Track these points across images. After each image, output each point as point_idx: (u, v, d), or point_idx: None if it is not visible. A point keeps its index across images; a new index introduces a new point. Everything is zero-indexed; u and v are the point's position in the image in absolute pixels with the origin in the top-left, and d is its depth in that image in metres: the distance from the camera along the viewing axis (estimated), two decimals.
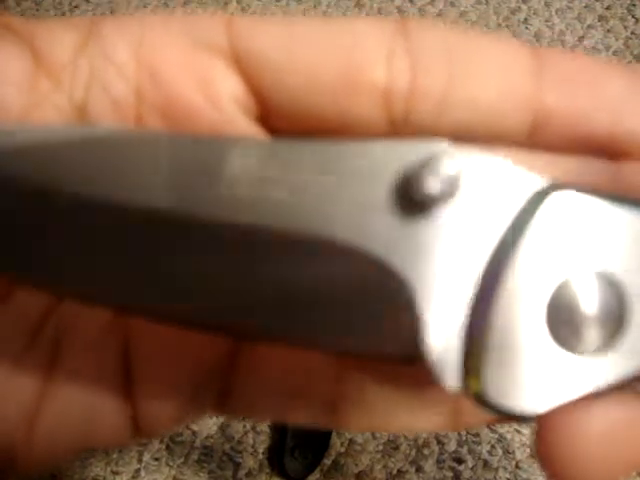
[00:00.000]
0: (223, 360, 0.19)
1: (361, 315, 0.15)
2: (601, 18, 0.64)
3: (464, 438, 0.47)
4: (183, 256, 0.16)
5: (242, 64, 0.17)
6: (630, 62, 0.62)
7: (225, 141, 0.16)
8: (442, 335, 0.15)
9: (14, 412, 0.18)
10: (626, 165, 0.18)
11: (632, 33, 0.64)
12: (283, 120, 0.18)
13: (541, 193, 0.15)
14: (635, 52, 0.63)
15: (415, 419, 0.19)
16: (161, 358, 0.19)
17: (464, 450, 0.47)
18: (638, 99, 0.17)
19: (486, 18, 0.63)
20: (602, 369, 0.15)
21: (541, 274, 0.15)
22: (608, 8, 0.65)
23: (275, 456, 0.47)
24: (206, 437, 0.47)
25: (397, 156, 0.15)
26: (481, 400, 0.15)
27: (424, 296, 0.15)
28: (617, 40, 0.64)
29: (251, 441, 0.47)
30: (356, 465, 0.46)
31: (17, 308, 0.19)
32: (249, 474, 0.46)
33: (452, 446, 0.47)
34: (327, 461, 0.47)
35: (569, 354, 0.15)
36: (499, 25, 0.63)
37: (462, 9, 0.63)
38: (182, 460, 0.46)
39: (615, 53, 0.63)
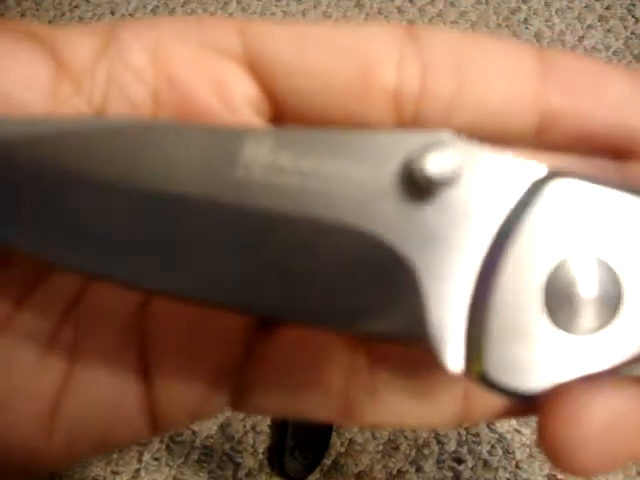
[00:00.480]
0: (239, 354, 0.19)
1: (368, 295, 0.16)
2: (601, 18, 0.64)
3: (464, 438, 0.47)
4: (202, 238, 0.16)
5: (255, 67, 0.18)
6: (630, 62, 0.62)
7: (240, 130, 0.16)
8: (445, 317, 0.15)
9: (35, 407, 0.19)
10: (631, 164, 0.18)
11: (632, 33, 0.64)
12: (296, 122, 0.18)
13: (541, 180, 0.15)
14: (635, 52, 0.63)
15: (426, 412, 0.19)
16: (179, 352, 0.19)
17: (464, 450, 0.47)
18: (638, 102, 0.18)
19: (486, 18, 0.63)
20: (598, 350, 0.15)
21: (540, 258, 0.15)
22: (608, 8, 0.65)
23: (275, 456, 0.47)
24: (206, 437, 0.47)
25: (403, 143, 0.16)
26: (483, 380, 0.15)
27: (428, 278, 0.15)
28: (617, 40, 0.64)
29: (251, 441, 0.47)
30: (356, 465, 0.46)
31: (39, 305, 0.19)
32: (249, 474, 0.46)
33: (452, 446, 0.47)
34: (327, 461, 0.47)
35: (567, 335, 0.15)
36: (499, 25, 0.63)
37: (462, 9, 0.63)
38: (182, 460, 0.46)
39: (615, 53, 0.63)
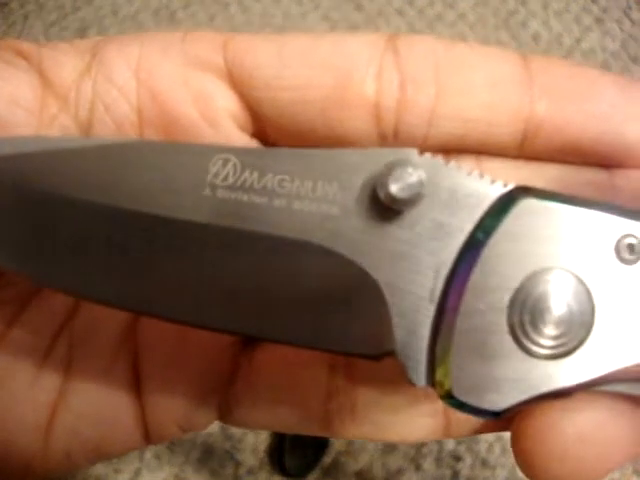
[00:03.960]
0: (225, 370, 0.20)
1: (335, 312, 0.16)
2: (598, 20, 0.65)
3: None
4: (174, 257, 0.16)
5: (236, 81, 0.18)
6: (627, 64, 0.63)
7: (207, 149, 0.17)
8: (411, 333, 0.15)
9: (32, 419, 0.19)
10: (618, 173, 0.18)
11: (629, 35, 0.65)
12: (278, 134, 0.18)
13: (506, 198, 0.15)
14: (632, 54, 0.64)
15: (406, 428, 0.19)
16: (168, 367, 0.20)
17: (462, 448, 0.47)
18: (629, 107, 0.18)
19: (484, 20, 0.63)
20: (563, 371, 0.15)
21: (505, 277, 0.15)
22: (605, 11, 0.65)
23: (275, 454, 0.47)
24: (207, 436, 0.47)
25: (367, 162, 0.16)
26: (450, 399, 0.15)
27: (394, 296, 0.15)
28: (614, 42, 0.64)
29: (252, 440, 0.47)
30: (356, 463, 0.47)
31: (32, 322, 0.19)
32: (250, 472, 0.46)
33: (451, 444, 0.47)
34: (327, 459, 0.47)
35: (530, 356, 0.15)
36: (497, 27, 0.63)
37: (461, 11, 0.63)
38: (183, 458, 0.46)
39: (612, 55, 0.63)
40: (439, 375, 0.15)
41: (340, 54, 0.18)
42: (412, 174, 0.15)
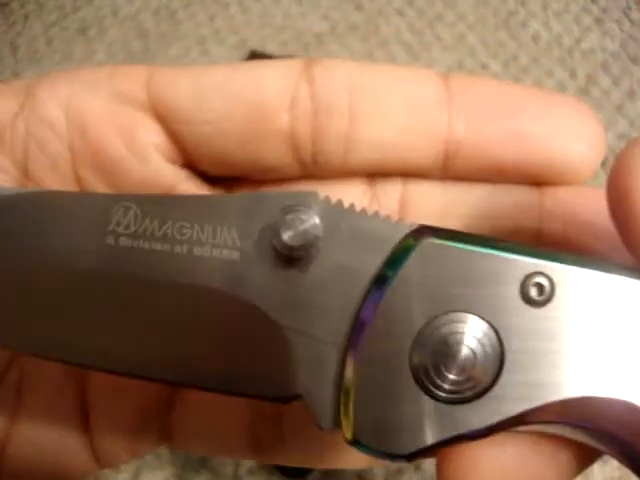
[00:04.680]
0: (163, 402, 0.21)
1: (241, 358, 0.16)
2: (598, 20, 0.65)
3: None
4: (78, 306, 0.16)
5: (159, 115, 0.18)
6: (626, 64, 0.63)
7: (109, 198, 0.17)
8: (316, 378, 0.15)
9: None
10: (547, 192, 0.18)
11: (629, 35, 0.65)
12: (205, 165, 0.19)
13: (409, 240, 0.15)
14: (631, 54, 0.64)
15: (337, 456, 0.20)
16: (112, 401, 0.21)
17: None
18: (551, 123, 0.17)
19: (484, 20, 0.63)
20: (470, 414, 0.15)
21: (408, 321, 0.15)
22: (604, 11, 0.65)
23: None
24: None
25: (263, 208, 0.16)
26: (355, 443, 0.15)
27: (298, 340, 0.15)
28: (614, 42, 0.64)
29: None
30: None
31: None
32: (250, 472, 0.46)
33: None
34: None
35: (434, 399, 0.15)
36: (497, 27, 0.63)
37: (461, 11, 0.63)
38: (183, 458, 0.46)
39: (612, 55, 0.63)
40: (344, 420, 0.15)
41: (254, 86, 0.18)
42: (305, 221, 0.15)
